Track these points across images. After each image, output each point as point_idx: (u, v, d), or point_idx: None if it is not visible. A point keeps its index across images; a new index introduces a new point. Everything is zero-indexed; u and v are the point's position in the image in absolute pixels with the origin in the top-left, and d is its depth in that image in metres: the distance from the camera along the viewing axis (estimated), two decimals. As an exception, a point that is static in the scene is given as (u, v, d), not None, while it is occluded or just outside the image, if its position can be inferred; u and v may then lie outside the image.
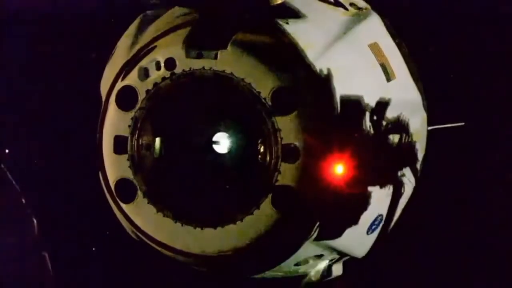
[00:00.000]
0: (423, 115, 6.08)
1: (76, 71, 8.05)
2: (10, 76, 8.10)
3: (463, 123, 6.78)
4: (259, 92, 5.09)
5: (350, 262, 6.42)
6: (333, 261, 6.06)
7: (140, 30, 5.71)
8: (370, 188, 5.40)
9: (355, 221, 5.44)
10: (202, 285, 7.65)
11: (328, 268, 6.05)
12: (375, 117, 5.36)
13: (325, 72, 5.19)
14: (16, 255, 7.66)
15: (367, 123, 5.34)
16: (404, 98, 5.80)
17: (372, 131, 5.32)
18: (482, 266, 7.31)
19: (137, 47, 5.50)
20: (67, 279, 7.73)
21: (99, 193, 7.69)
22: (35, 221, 7.78)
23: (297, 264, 5.77)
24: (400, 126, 5.58)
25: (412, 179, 5.75)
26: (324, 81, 5.19)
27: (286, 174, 5.12)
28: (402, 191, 5.67)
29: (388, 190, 5.64)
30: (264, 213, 5.15)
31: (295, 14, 5.45)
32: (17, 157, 7.97)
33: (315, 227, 5.25)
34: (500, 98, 7.40)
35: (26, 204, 7.77)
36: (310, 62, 5.16)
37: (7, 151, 8.04)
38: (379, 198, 5.61)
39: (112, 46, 7.69)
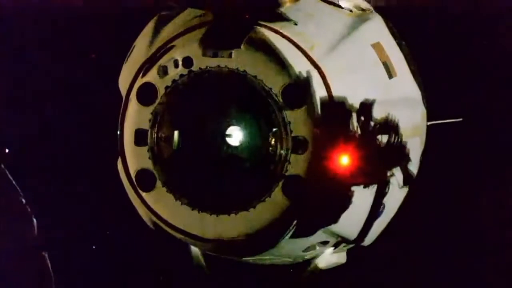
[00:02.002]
0: (423, 110, 6.65)
1: (75, 71, 8.54)
2: (10, 76, 8.60)
3: (461, 119, 7.35)
4: (270, 88, 5.67)
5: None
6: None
7: (157, 30, 6.24)
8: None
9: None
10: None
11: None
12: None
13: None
14: (16, 255, 8.09)
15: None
16: (405, 94, 6.38)
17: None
18: (481, 261, 7.87)
19: (155, 46, 6.04)
20: (67, 279, 8.13)
21: (99, 192, 8.20)
22: (35, 221, 8.19)
23: (305, 250, 6.35)
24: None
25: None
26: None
27: (296, 164, 5.69)
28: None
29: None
30: (275, 200, 5.72)
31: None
32: (17, 157, 8.40)
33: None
34: (498, 94, 7.94)
35: (26, 204, 8.18)
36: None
37: (7, 150, 8.46)
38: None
39: (113, 46, 8.06)
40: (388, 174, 6.05)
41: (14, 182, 8.25)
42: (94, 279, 8.29)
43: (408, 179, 6.28)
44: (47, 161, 8.46)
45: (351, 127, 5.73)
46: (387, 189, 6.06)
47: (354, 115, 5.86)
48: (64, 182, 8.42)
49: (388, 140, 5.95)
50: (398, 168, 6.20)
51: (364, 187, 5.89)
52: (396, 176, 6.12)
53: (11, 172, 8.28)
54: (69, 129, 8.48)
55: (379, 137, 5.89)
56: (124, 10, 8.58)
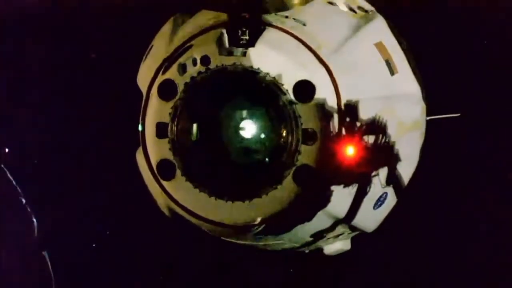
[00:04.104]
0: (423, 105, 7.33)
1: (74, 70, 9.09)
2: (10, 76, 9.10)
3: (458, 114, 8.00)
4: (282, 84, 6.40)
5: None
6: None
7: (174, 30, 6.98)
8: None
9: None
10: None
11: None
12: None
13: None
14: (16, 255, 8.58)
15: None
16: (406, 90, 7.10)
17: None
18: (479, 254, 8.57)
19: (174, 45, 6.74)
20: (67, 279, 8.69)
21: (98, 192, 8.79)
22: (35, 221, 8.69)
23: (312, 236, 7.10)
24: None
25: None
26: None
27: (306, 155, 6.43)
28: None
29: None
30: (287, 188, 6.45)
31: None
32: (17, 157, 8.88)
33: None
34: (494, 91, 8.63)
35: (26, 204, 8.68)
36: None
37: (7, 150, 8.92)
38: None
39: (113, 46, 8.86)
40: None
41: (14, 182, 8.66)
42: (94, 279, 8.77)
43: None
44: (47, 161, 8.94)
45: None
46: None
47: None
48: (64, 182, 8.88)
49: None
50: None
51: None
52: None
53: (11, 172, 8.68)
54: (68, 129, 8.96)
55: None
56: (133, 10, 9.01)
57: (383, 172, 6.86)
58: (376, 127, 6.63)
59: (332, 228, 7.02)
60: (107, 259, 8.84)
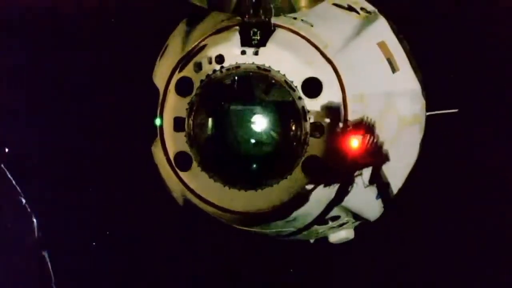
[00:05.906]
0: (422, 102, 8.01)
1: (74, 70, 9.74)
2: (10, 76, 9.68)
3: (457, 110, 8.74)
4: (291, 81, 7.06)
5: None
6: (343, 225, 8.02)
7: (188, 31, 7.73)
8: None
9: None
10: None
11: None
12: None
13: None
14: (16, 255, 9.13)
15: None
16: (406, 87, 7.80)
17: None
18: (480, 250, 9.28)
19: (190, 45, 7.43)
20: (67, 279, 9.28)
21: (98, 192, 9.47)
22: (35, 221, 9.23)
23: (317, 224, 7.78)
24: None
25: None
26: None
27: (313, 146, 7.09)
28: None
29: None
30: (296, 177, 7.13)
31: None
32: (17, 157, 9.45)
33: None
34: (491, 89, 9.42)
35: (26, 204, 9.22)
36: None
37: (6, 150, 9.49)
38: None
39: (113, 46, 9.56)
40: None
41: (14, 182, 9.16)
42: (94, 279, 9.42)
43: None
44: (47, 161, 9.52)
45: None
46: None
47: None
48: (64, 182, 9.51)
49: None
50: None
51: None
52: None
53: (11, 172, 9.14)
54: (68, 129, 9.56)
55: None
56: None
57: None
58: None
59: (327, 210, 7.69)
60: (107, 259, 9.45)
